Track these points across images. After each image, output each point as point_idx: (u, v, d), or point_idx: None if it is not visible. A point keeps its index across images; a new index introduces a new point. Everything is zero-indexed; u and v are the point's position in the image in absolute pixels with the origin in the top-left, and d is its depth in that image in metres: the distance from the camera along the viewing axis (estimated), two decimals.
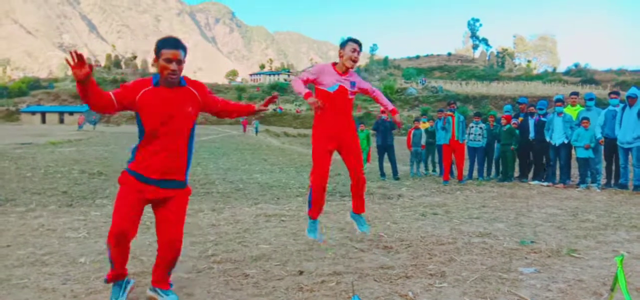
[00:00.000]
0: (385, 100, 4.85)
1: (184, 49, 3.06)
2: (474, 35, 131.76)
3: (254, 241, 5.08)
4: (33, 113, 77.26)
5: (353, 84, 4.51)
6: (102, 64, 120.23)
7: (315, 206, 4.58)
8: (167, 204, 3.20)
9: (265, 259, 4.35)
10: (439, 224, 6.09)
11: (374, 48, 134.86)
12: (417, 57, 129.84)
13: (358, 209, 4.92)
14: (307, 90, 4.32)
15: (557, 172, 10.36)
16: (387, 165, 12.35)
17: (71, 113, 74.53)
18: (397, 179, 11.57)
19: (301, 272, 3.95)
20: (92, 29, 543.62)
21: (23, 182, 9.84)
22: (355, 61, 4.45)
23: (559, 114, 10.02)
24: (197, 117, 3.30)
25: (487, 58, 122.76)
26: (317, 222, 4.69)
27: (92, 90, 2.84)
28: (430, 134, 12.67)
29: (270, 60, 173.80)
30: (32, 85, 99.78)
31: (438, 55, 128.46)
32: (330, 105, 4.41)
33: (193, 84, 3.26)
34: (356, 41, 4.48)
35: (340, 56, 4.52)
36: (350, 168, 4.66)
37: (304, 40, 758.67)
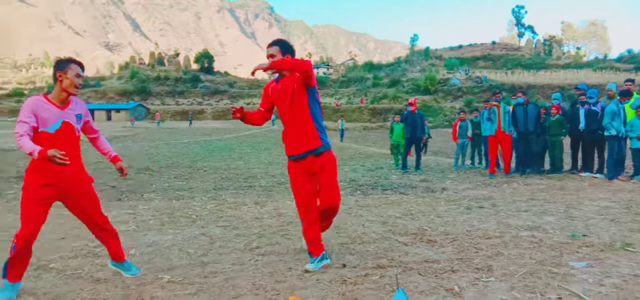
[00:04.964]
0: (107, 146, 3.83)
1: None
2: (519, 23, 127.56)
3: (297, 234, 5.10)
4: None
5: (79, 117, 3.54)
6: (146, 61, 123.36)
7: (13, 264, 3.36)
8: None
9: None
10: (485, 217, 5.95)
11: (414, 38, 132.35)
12: (460, 46, 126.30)
13: (114, 257, 3.79)
14: (38, 148, 3.11)
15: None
16: (409, 154, 12.23)
17: (118, 110, 77.11)
18: (420, 170, 11.59)
19: (344, 265, 3.94)
20: (135, 28, 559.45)
21: None
22: (78, 87, 3.47)
23: (621, 99, 9.49)
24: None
25: (533, 46, 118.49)
26: (16, 286, 3.41)
27: (248, 119, 4.00)
28: (476, 125, 12.39)
29: (309, 53, 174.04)
30: None
31: (481, 44, 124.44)
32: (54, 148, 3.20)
33: None
34: (80, 63, 3.52)
35: (60, 81, 3.41)
36: (85, 222, 3.65)
37: (342, 33, 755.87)
